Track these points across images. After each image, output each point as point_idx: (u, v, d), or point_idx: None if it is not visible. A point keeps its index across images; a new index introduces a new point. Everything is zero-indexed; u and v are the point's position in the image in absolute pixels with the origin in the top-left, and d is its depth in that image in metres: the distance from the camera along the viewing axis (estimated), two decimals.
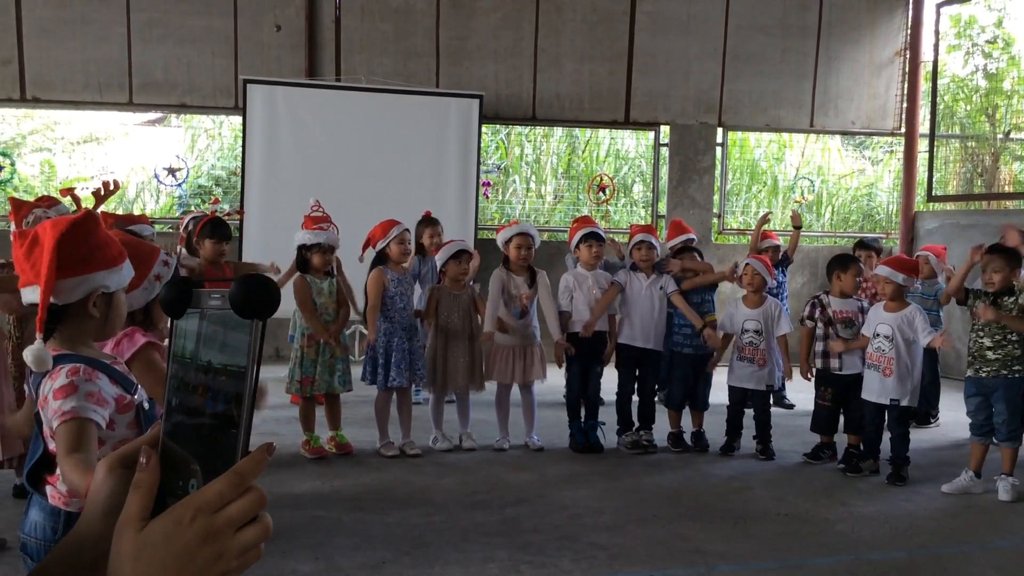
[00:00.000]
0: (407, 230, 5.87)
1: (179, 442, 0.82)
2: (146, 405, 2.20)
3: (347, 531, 4.32)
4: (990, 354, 5.13)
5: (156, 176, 10.21)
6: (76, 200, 6.88)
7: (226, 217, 6.75)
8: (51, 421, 2.04)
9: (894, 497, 5.15)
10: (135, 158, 12.73)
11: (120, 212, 10.24)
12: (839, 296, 5.83)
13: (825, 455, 5.83)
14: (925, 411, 6.87)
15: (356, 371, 5.87)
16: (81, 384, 2.05)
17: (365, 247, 5.96)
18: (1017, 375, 5.11)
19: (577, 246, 6.04)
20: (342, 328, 5.80)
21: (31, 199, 5.95)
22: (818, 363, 5.84)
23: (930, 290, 6.71)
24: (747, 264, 6.05)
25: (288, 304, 6.79)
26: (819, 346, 5.83)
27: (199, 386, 0.81)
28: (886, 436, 5.54)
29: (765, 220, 7.64)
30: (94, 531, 0.84)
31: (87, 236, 2.05)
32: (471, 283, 6.10)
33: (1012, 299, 5.12)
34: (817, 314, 5.85)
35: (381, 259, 5.79)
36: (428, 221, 6.76)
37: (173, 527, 0.74)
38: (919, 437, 6.24)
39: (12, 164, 9.65)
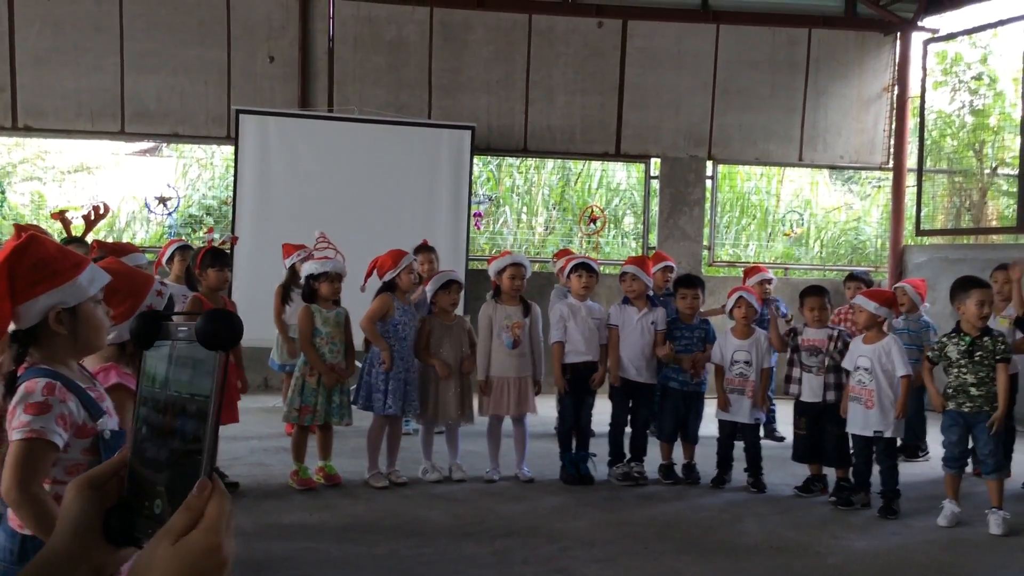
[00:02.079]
0: (415, 259, 5.89)
1: (147, 465, 0.87)
2: (107, 435, 2.17)
3: (336, 563, 4.28)
4: (973, 391, 5.15)
5: (147, 205, 10.22)
6: (66, 225, 6.86)
7: (222, 245, 6.74)
8: (12, 432, 2.04)
9: (885, 530, 5.13)
10: (126, 187, 12.72)
11: (111, 240, 10.23)
12: (813, 326, 5.85)
13: (816, 488, 5.82)
14: (914, 444, 6.88)
15: None
16: (55, 404, 2.05)
17: (368, 275, 5.90)
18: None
19: (568, 276, 6.06)
20: (350, 375, 5.74)
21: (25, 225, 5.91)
22: (791, 390, 5.91)
23: (915, 325, 6.74)
24: (740, 297, 6.06)
25: (270, 331, 6.80)
26: (794, 372, 5.88)
27: (166, 413, 0.88)
28: (876, 468, 5.53)
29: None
30: (65, 549, 0.88)
31: (32, 259, 2.06)
32: (462, 315, 6.11)
33: (989, 339, 5.16)
34: (790, 342, 5.91)
35: (389, 287, 5.77)
36: (424, 248, 6.83)
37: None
38: (909, 470, 6.23)
39: (2, 193, 9.65)
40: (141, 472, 0.87)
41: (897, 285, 7.09)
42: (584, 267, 6.03)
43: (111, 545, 0.88)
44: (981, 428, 5.12)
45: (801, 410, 5.84)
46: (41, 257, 2.08)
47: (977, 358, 5.15)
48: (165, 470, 0.86)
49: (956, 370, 5.22)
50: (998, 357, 5.13)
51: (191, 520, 0.83)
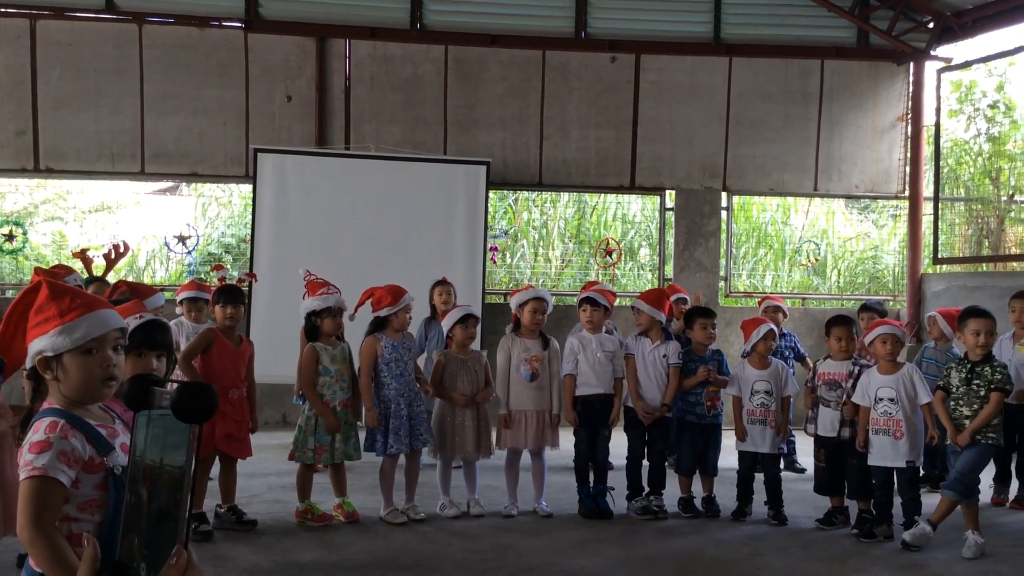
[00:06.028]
0: (413, 300, 5.87)
1: (134, 526, 0.92)
2: (117, 471, 2.10)
3: None
4: (968, 423, 5.20)
5: (167, 244, 10.32)
6: (87, 263, 6.94)
7: (239, 283, 6.77)
8: (20, 472, 2.06)
9: (909, 563, 5.06)
10: (146, 226, 12.87)
11: (131, 278, 10.34)
12: (838, 357, 5.81)
13: (838, 520, 5.75)
14: (937, 475, 6.79)
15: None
16: (56, 442, 2.05)
17: (360, 304, 5.86)
18: (991, 441, 5.19)
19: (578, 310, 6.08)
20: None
21: (45, 267, 6.00)
22: (808, 429, 5.94)
23: (942, 357, 6.69)
24: (770, 330, 6.06)
25: (287, 368, 6.79)
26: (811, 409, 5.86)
27: (147, 480, 0.88)
28: (898, 500, 5.47)
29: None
30: None
31: (35, 303, 2.16)
32: (479, 350, 6.11)
33: (988, 368, 5.21)
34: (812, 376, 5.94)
35: (379, 324, 5.76)
36: (442, 283, 6.95)
37: None
38: (932, 501, 6.15)
39: (24, 233, 9.78)
40: (131, 533, 0.90)
41: (929, 314, 7.10)
42: (590, 301, 6.03)
43: None
44: (969, 448, 5.16)
45: (820, 442, 5.82)
46: (40, 303, 2.14)
47: (974, 387, 5.20)
48: (147, 533, 0.88)
49: (954, 403, 5.25)
50: (993, 386, 5.14)
51: None
